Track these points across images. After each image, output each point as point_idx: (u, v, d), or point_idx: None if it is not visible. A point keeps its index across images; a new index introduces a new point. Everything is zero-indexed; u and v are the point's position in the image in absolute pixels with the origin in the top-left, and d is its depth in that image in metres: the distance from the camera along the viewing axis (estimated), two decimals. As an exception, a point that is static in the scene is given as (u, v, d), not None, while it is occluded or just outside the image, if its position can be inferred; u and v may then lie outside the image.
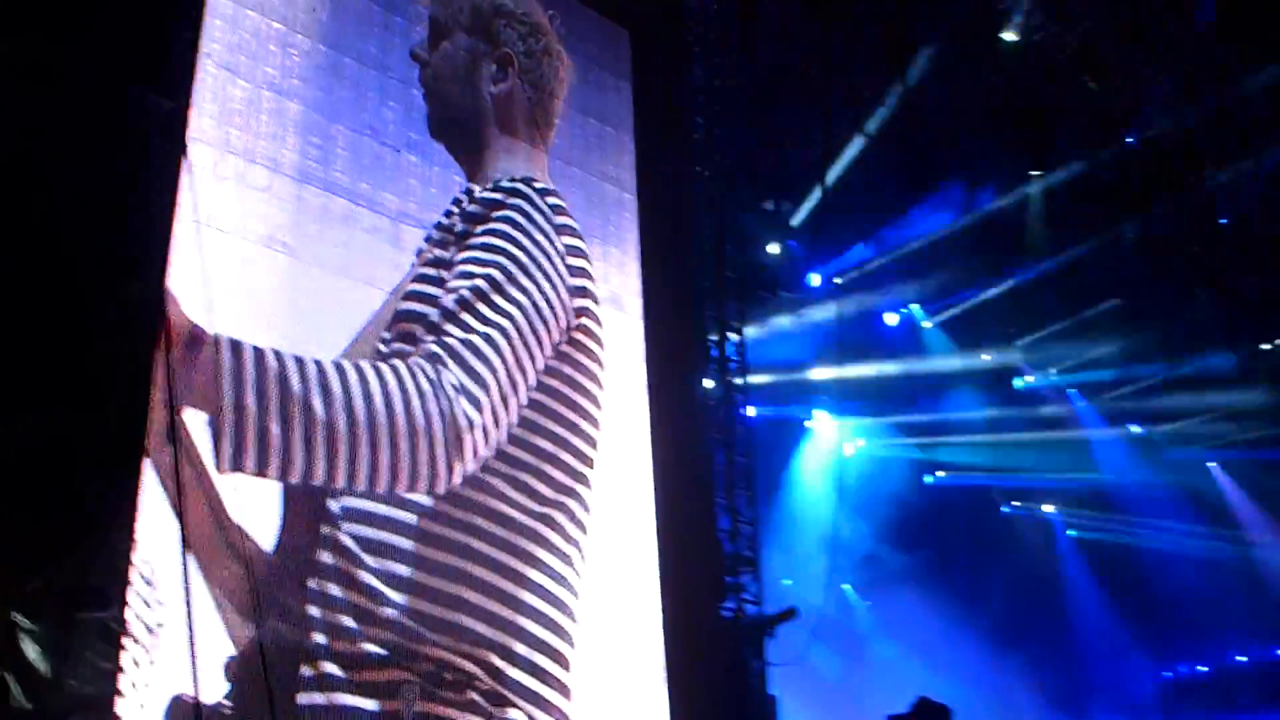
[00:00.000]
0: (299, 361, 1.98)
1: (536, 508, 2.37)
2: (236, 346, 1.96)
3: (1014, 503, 21.56)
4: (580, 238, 2.61)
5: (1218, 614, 21.75)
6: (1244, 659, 22.52)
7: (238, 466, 1.91)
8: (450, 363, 2.07)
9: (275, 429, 1.89)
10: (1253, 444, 20.58)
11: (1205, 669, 22.88)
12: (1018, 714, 18.44)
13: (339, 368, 2.02)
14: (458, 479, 2.10)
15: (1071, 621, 21.66)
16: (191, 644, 1.99)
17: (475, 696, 2.15)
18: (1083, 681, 21.06)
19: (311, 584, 2.27)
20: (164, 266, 3.02)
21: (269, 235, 7.59)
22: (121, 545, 2.85)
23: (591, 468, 2.72)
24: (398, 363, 2.09)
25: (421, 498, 2.21)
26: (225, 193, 7.31)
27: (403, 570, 2.21)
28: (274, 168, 7.74)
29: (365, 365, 2.05)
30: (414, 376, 2.02)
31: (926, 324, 17.57)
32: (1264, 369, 18.99)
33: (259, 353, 1.96)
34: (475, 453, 2.08)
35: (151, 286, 2.63)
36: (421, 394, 1.99)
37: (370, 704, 2.14)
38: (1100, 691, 21.56)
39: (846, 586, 17.30)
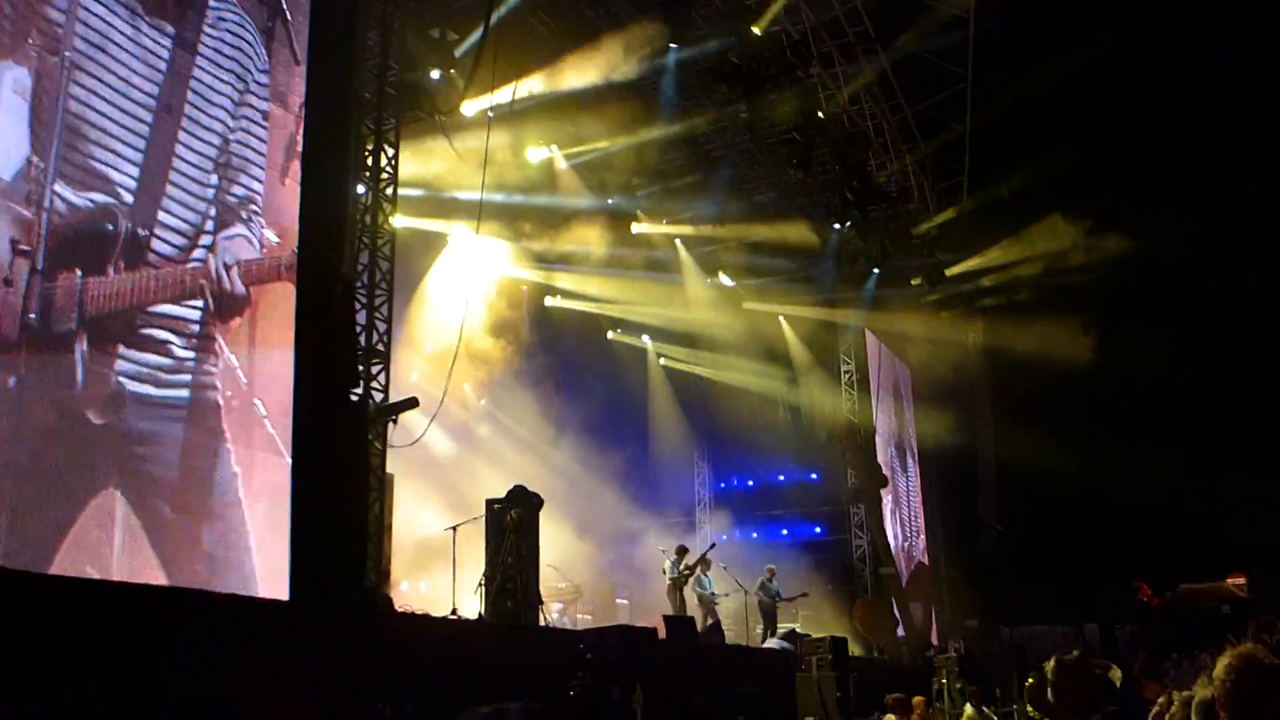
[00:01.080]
0: None
1: None
2: None
3: (617, 331, 22.80)
4: None
5: (768, 440, 24.52)
6: (783, 478, 25.53)
7: None
8: None
9: None
10: (815, 304, 22.87)
11: (752, 483, 25.76)
12: (603, 508, 19.38)
13: None
14: None
15: (653, 435, 23.50)
16: None
17: None
18: (657, 485, 22.74)
19: None
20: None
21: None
22: None
23: None
24: None
25: None
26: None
27: None
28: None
29: None
30: None
31: (565, 165, 17.95)
32: (832, 243, 21.21)
33: None
34: None
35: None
36: None
37: None
38: (671, 494, 23.67)
39: (466, 386, 17.65)
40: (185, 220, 8.94)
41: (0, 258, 7.22)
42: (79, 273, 7.87)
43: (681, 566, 16.24)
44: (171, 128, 8.86)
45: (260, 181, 9.89)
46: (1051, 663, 4.27)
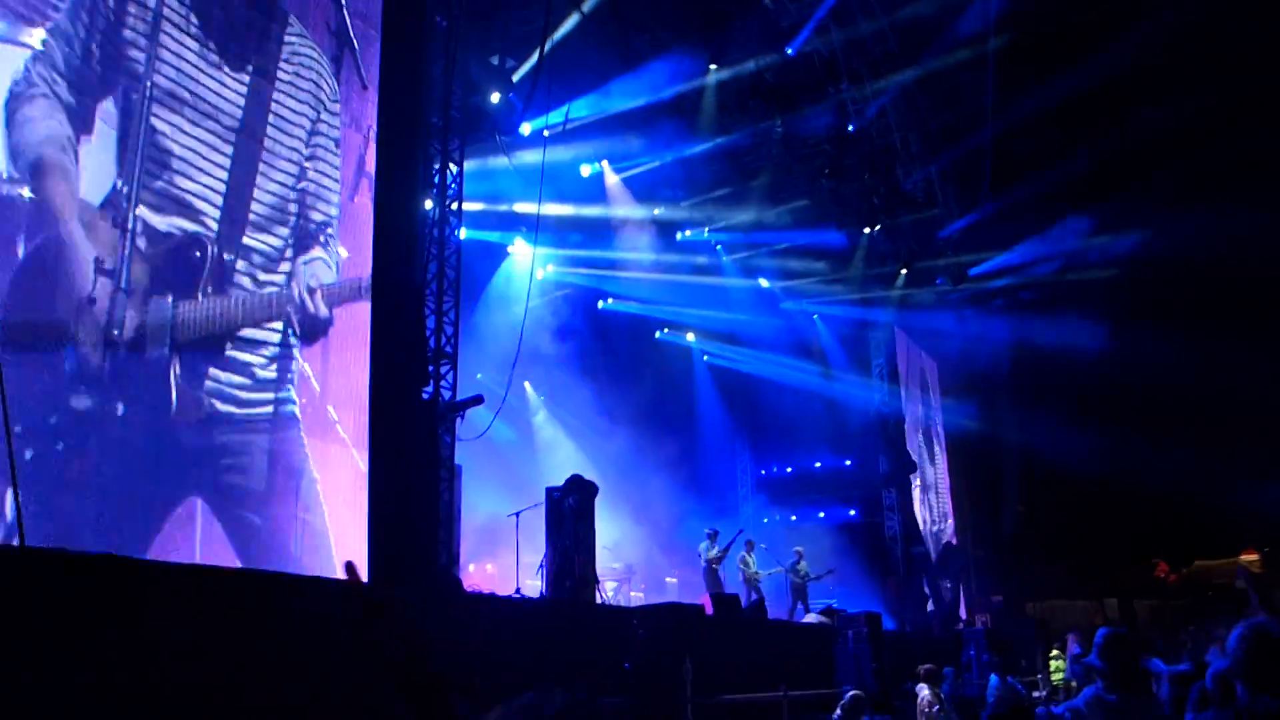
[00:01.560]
0: None
1: None
2: None
3: (665, 330, 22.72)
4: None
5: (806, 430, 24.42)
6: (819, 465, 25.37)
7: None
8: None
9: None
10: (847, 303, 22.69)
11: (790, 470, 25.59)
12: (653, 494, 19.16)
13: None
14: None
15: (699, 426, 23.26)
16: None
17: None
18: (702, 472, 22.43)
19: None
20: None
21: None
22: None
23: None
24: None
25: None
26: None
27: None
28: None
29: None
30: None
31: (615, 179, 17.94)
32: (862, 246, 21.12)
33: None
34: None
35: None
36: None
37: None
38: (715, 480, 23.39)
39: (527, 384, 17.72)
40: (268, 245, 8.91)
41: (85, 279, 7.16)
42: (170, 297, 7.84)
43: (715, 549, 16.21)
44: (253, 156, 8.83)
45: (335, 206, 9.90)
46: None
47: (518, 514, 13.28)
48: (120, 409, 7.28)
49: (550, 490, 12.34)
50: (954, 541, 25.18)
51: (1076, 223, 22.50)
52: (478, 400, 11.89)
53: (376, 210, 10.33)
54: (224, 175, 8.47)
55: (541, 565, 12.12)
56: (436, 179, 11.77)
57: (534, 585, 12.44)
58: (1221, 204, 20.29)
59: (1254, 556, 26.61)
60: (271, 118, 9.14)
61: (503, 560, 14.13)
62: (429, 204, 11.62)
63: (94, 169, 7.41)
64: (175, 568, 6.54)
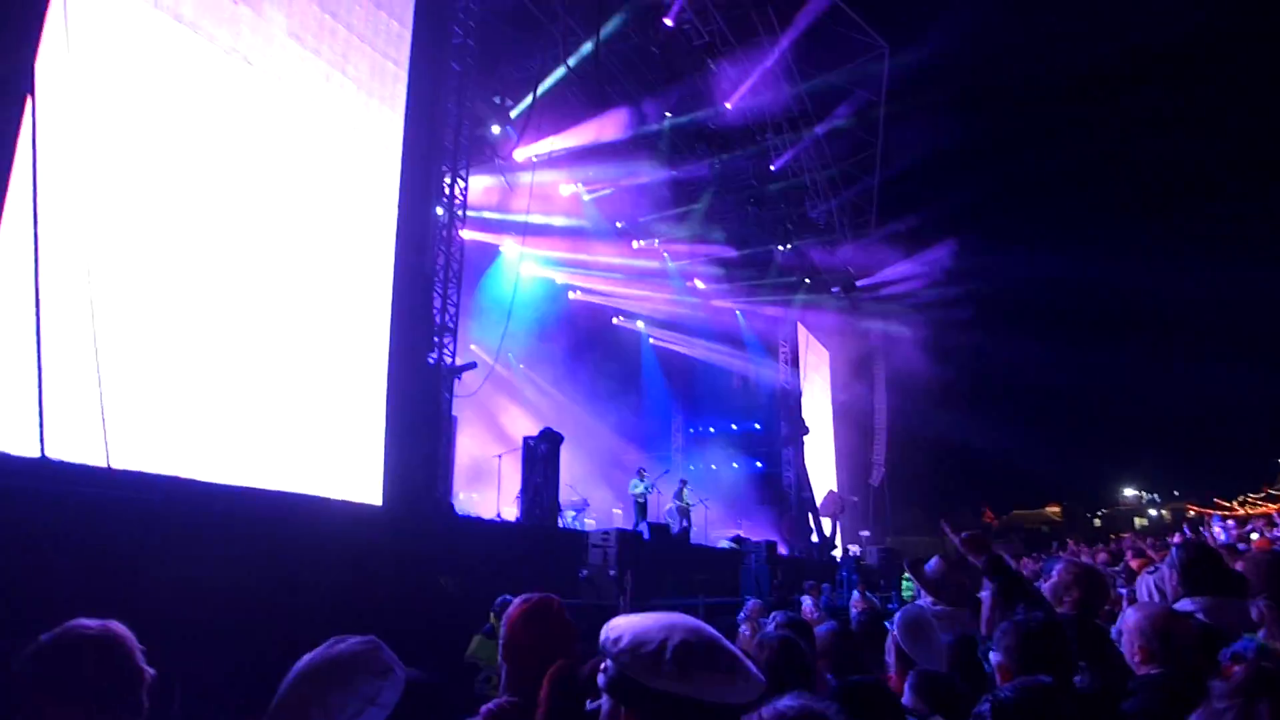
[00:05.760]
0: None
1: None
2: None
3: (620, 318, 22.75)
4: None
5: (726, 400, 24.58)
6: (735, 427, 25.48)
7: None
8: None
9: None
10: (762, 303, 22.85)
11: (713, 430, 25.67)
12: (606, 445, 19.24)
13: None
14: None
15: (643, 393, 23.38)
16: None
17: None
18: (645, 428, 22.55)
19: None
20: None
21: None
22: None
23: None
24: None
25: None
26: None
27: None
28: None
29: None
30: None
31: (587, 197, 17.90)
32: (775, 264, 21.29)
33: None
34: None
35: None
36: None
37: None
38: (654, 435, 23.48)
39: (510, 353, 17.60)
40: None
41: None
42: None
43: (641, 485, 16.21)
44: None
45: None
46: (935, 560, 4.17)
47: (500, 456, 13.28)
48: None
49: (526, 439, 12.37)
50: (834, 490, 25.61)
51: (942, 248, 22.89)
52: (471, 366, 11.96)
53: (399, 213, 10.21)
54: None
55: (517, 496, 12.16)
56: (447, 191, 11.72)
57: (511, 511, 12.46)
58: (1064, 237, 20.89)
59: (1056, 508, 27.45)
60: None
61: (486, 492, 14.11)
62: (439, 210, 11.56)
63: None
64: (223, 488, 6.51)
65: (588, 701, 1.15)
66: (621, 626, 1.12)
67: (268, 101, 8.23)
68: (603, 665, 1.13)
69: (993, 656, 2.31)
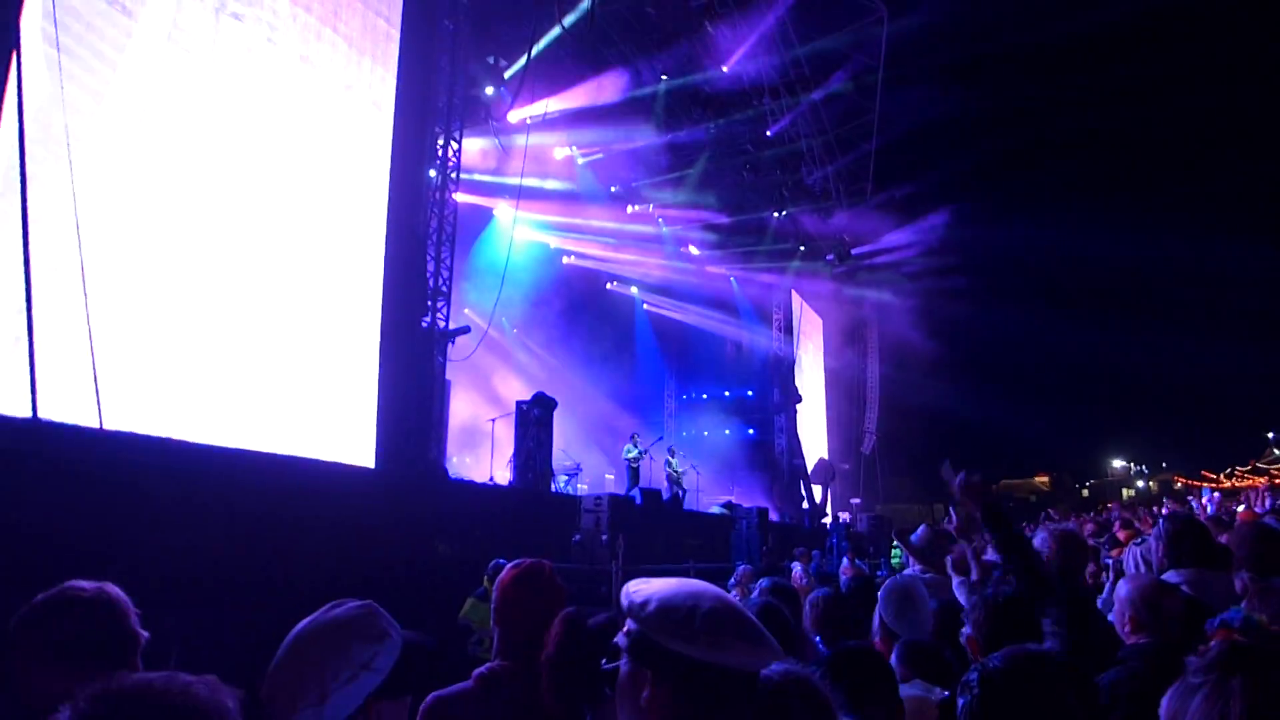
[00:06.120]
0: None
1: None
2: None
3: (614, 283, 22.57)
4: None
5: (718, 366, 24.57)
6: (728, 394, 25.54)
7: None
8: None
9: None
10: (756, 270, 22.83)
11: (705, 396, 25.74)
12: (599, 409, 19.25)
13: None
14: None
15: (637, 359, 23.21)
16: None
17: None
18: (638, 394, 22.33)
19: None
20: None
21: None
22: None
23: None
24: None
25: None
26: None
27: None
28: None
29: None
30: None
31: (581, 161, 17.64)
32: (770, 230, 21.17)
33: None
34: None
35: None
36: None
37: None
38: (647, 401, 23.23)
39: (504, 318, 17.45)
40: None
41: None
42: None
43: (634, 451, 16.29)
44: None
45: None
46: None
47: (493, 420, 13.29)
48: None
49: (519, 403, 12.36)
50: (825, 457, 25.78)
51: (937, 217, 22.81)
52: (465, 330, 11.85)
53: (391, 175, 10.10)
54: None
55: (510, 461, 12.18)
56: (440, 153, 11.55)
57: (503, 475, 12.50)
58: (1058, 209, 20.84)
59: (1045, 478, 27.73)
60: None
61: (480, 455, 14.13)
62: (433, 173, 11.41)
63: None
64: (220, 449, 6.51)
65: (602, 661, 1.18)
66: (646, 591, 1.14)
67: (258, 58, 8.09)
68: (625, 628, 1.15)
69: (964, 631, 2.37)
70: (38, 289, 5.31)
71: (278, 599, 4.65)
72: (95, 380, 5.57)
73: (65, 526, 4.63)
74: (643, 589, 1.15)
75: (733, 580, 7.30)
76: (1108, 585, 3.76)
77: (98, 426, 5.56)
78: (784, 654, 1.16)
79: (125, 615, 1.69)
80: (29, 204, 5.35)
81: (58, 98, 5.76)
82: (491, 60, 13.46)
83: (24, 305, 5.18)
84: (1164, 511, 8.98)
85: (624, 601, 1.16)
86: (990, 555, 3.60)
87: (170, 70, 7.08)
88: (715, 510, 15.94)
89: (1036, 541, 3.35)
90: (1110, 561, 4.69)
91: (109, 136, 6.43)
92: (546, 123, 14.68)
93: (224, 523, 5.66)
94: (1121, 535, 6.87)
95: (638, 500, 12.34)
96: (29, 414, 5.15)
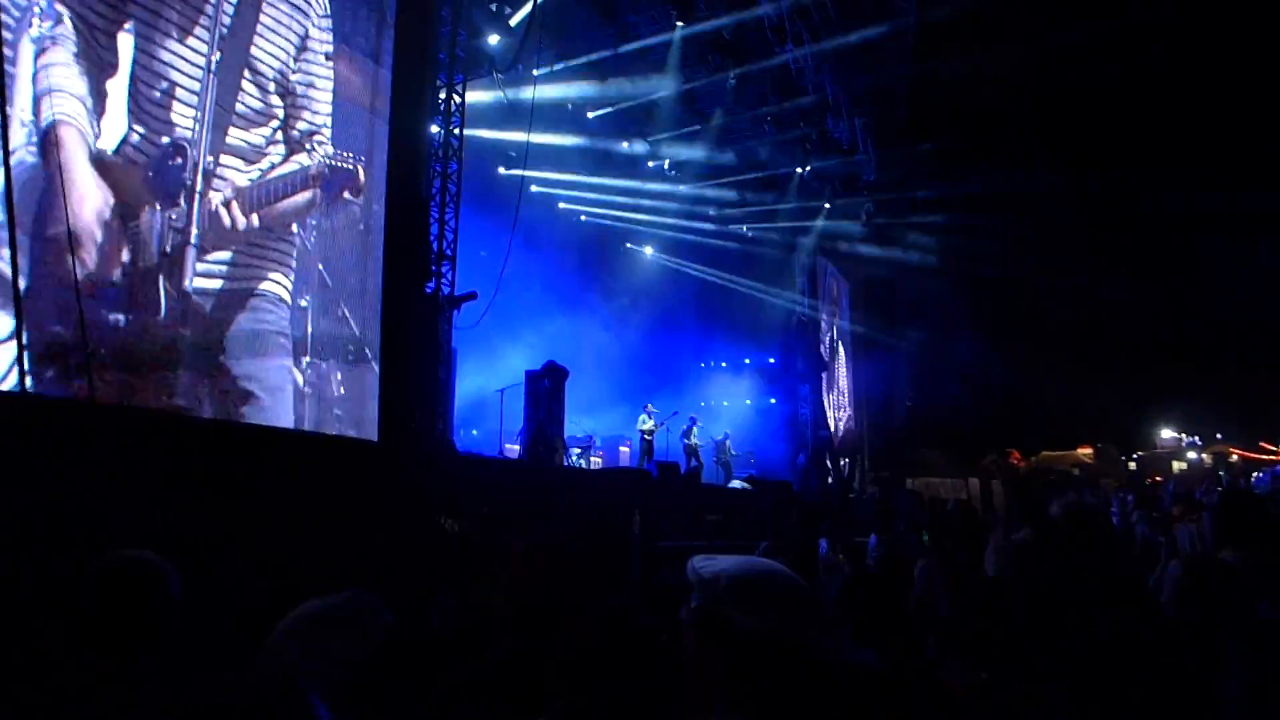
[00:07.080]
0: None
1: None
2: None
3: (629, 243, 22.54)
4: None
5: (739, 331, 24.46)
6: (749, 361, 25.61)
7: None
8: None
9: None
10: (781, 230, 22.54)
11: (725, 364, 25.75)
12: (613, 378, 19.24)
13: None
14: None
15: (654, 327, 22.83)
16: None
17: None
18: (655, 361, 22.32)
19: None
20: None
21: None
22: None
23: None
24: None
25: None
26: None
27: None
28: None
29: None
30: None
31: (593, 115, 17.45)
32: (795, 184, 20.92)
33: None
34: None
35: None
36: None
37: None
38: (664, 369, 23.00)
39: (515, 283, 17.26)
40: (249, 145, 7.98)
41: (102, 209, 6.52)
42: (157, 207, 7.02)
43: (650, 422, 16.37)
44: (239, 62, 7.90)
45: (324, 115, 8.98)
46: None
47: (502, 391, 13.35)
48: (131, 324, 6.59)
49: (529, 373, 12.42)
50: (853, 427, 25.73)
51: (973, 173, 22.38)
52: (472, 296, 11.79)
53: (391, 133, 10.03)
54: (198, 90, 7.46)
55: (519, 433, 12.24)
56: (442, 107, 11.46)
57: (513, 449, 12.58)
58: (1106, 161, 20.44)
59: (1088, 450, 27.53)
60: (259, 31, 8.19)
61: (488, 427, 14.22)
62: (435, 129, 11.34)
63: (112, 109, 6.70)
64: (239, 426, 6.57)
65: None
66: (717, 567, 1.21)
67: (249, 4, 8.03)
68: (691, 602, 1.22)
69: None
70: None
71: (277, 574, 4.70)
72: (86, 351, 5.61)
73: (56, 499, 4.68)
74: (711, 565, 1.22)
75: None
76: (1162, 563, 3.74)
77: (89, 399, 5.62)
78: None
79: (167, 583, 2.17)
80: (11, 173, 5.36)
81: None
82: (495, 7, 13.29)
83: (9, 274, 5.21)
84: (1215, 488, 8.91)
85: (692, 576, 1.23)
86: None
87: (162, 18, 7.04)
88: (736, 484, 15.99)
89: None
90: (1163, 540, 4.67)
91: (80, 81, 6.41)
92: (556, 74, 14.55)
93: (222, 496, 5.72)
94: (1176, 511, 6.84)
95: (654, 473, 12.39)
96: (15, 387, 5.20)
